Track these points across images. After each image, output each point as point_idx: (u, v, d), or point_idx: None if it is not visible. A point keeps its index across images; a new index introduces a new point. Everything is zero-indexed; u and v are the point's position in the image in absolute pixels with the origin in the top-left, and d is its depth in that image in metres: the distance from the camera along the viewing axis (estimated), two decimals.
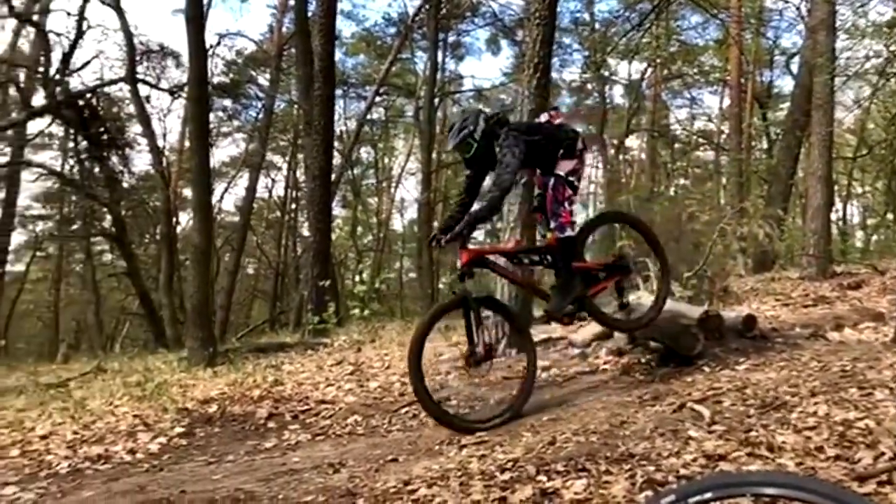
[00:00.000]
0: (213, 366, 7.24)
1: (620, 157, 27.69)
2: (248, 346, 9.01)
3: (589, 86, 26.40)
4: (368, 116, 23.95)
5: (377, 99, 23.77)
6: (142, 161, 25.85)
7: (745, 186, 16.03)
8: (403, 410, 4.87)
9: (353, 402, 5.17)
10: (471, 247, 4.51)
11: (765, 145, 21.03)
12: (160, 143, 18.78)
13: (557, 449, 3.36)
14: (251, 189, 22.63)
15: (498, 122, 4.60)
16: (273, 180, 28.99)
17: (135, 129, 19.01)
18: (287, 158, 27.20)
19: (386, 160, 30.72)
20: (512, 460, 3.27)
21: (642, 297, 5.52)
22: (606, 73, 23.78)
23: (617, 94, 28.41)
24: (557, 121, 4.83)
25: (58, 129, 19.55)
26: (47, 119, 17.27)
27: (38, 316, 26.72)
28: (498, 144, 4.47)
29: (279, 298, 25.64)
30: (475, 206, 4.59)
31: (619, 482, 2.84)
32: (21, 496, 3.95)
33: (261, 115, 23.17)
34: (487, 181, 4.68)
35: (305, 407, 5.17)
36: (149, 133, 15.45)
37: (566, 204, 4.59)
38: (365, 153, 29.30)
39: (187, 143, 24.59)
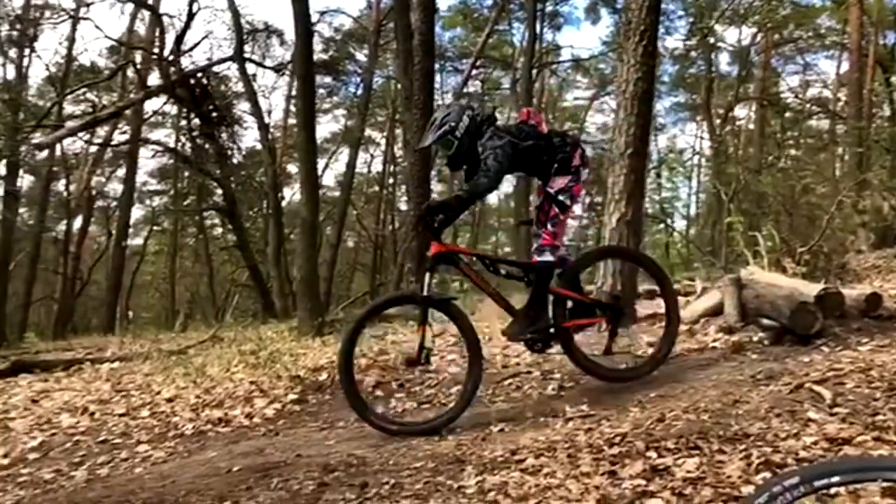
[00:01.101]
0: (321, 335, 7.52)
1: (727, 127, 26.48)
2: (354, 316, 9.26)
3: (693, 53, 25.32)
4: (465, 90, 23.92)
5: (473, 72, 23.69)
6: (248, 137, 26.97)
7: (866, 157, 15.02)
8: (507, 382, 4.91)
9: (457, 372, 5.25)
10: (447, 242, 4.26)
11: (887, 112, 19.59)
12: (266, 119, 19.44)
13: (667, 426, 3.31)
14: (351, 164, 23.12)
15: (484, 121, 4.23)
16: (372, 155, 29.61)
17: (241, 106, 19.79)
18: (385, 134, 27.65)
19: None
20: (620, 435, 3.25)
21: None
22: (713, 40, 22.74)
23: (723, 62, 27.14)
24: (544, 126, 4.34)
25: (171, 108, 20.62)
26: (162, 98, 18.27)
27: (156, 287, 28.44)
28: (481, 144, 4.12)
29: (378, 271, 26.23)
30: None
31: (733, 462, 2.77)
32: (153, 454, 4.27)
33: (359, 92, 23.59)
34: None
35: (410, 375, 5.29)
36: (256, 110, 16.03)
37: (549, 224, 4.21)
38: None
39: (291, 120, 25.48)
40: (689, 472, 2.75)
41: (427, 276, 4.14)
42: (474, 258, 4.50)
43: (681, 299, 7.65)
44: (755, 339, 5.08)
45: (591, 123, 31.39)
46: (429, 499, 2.82)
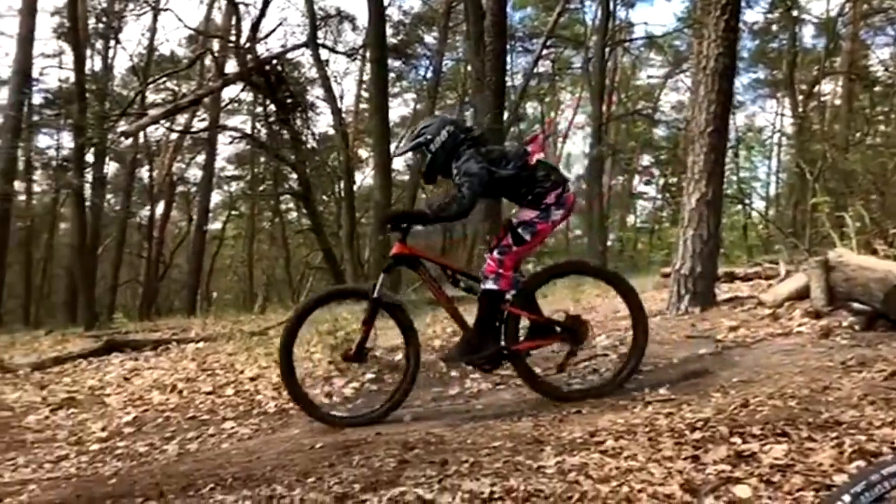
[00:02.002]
0: None
1: (812, 103, 25.31)
2: (425, 298, 9.34)
3: (775, 27, 24.27)
4: (535, 70, 23.62)
5: (544, 52, 23.35)
6: (320, 123, 27.43)
7: None
8: (582, 365, 4.87)
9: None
10: (410, 244, 4.11)
11: None
12: (339, 104, 19.68)
13: (752, 412, 3.22)
14: None
15: (464, 140, 4.03)
16: None
17: (314, 92, 20.14)
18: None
19: (552, 114, 30.30)
20: (702, 420, 3.18)
21: None
22: (796, 13, 21.73)
23: (808, 35, 25.92)
24: (536, 157, 4.03)
25: (246, 95, 21.16)
26: (238, 86, 18.74)
27: (234, 270, 29.40)
28: (456, 166, 3.94)
29: (444, 253, 26.35)
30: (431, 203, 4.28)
31: (824, 450, 2.68)
32: (238, 430, 4.44)
33: (429, 75, 23.63)
34: None
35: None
36: (330, 96, 16.27)
37: (497, 252, 3.99)
38: (531, 108, 29.06)
39: (362, 105, 25.78)
40: (776, 459, 2.68)
41: (382, 275, 4.07)
42: (437, 265, 4.28)
43: (763, 282, 7.45)
44: (844, 324, 4.88)
45: (666, 102, 30.60)
46: (508, 477, 2.83)
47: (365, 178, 28.02)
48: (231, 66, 17.62)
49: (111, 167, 24.15)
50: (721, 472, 2.63)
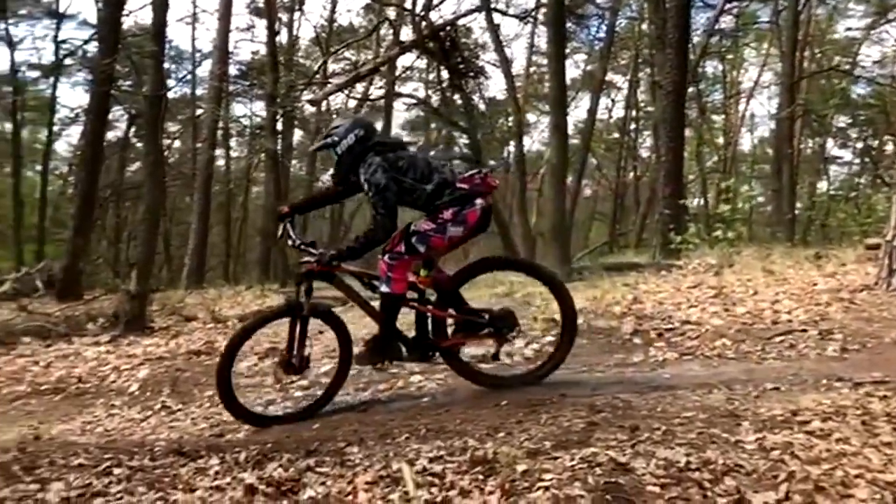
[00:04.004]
0: (569, 281, 7.58)
1: None
2: (600, 264, 9.24)
3: None
4: (716, 26, 22.08)
5: (727, 6, 21.73)
6: (490, 88, 27.52)
7: None
8: (778, 339, 4.60)
9: (720, 325, 5.02)
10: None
11: None
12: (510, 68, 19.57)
13: None
14: (592, 110, 22.67)
15: (373, 146, 3.91)
16: (613, 101, 28.69)
17: (484, 57, 20.20)
18: (628, 77, 26.61)
19: (734, 73, 28.26)
20: None
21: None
22: None
23: None
24: (464, 184, 3.90)
25: (420, 62, 21.68)
26: (412, 54, 19.21)
27: None
28: (364, 177, 3.85)
29: (618, 220, 25.70)
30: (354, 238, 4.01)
31: None
32: (426, 385, 4.62)
33: (600, 35, 22.89)
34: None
35: (669, 326, 5.16)
36: (502, 59, 16.26)
37: (388, 256, 3.89)
38: (711, 67, 27.28)
39: (532, 69, 25.54)
40: None
41: (301, 289, 4.00)
42: (351, 275, 4.16)
43: None
44: None
45: (866, 56, 27.43)
46: (705, 449, 2.74)
47: (533, 142, 27.92)
48: (406, 34, 18.10)
49: (296, 134, 25.76)
50: None
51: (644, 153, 27.85)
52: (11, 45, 20.92)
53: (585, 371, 4.46)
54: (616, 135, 28.67)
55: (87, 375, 5.79)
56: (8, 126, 22.54)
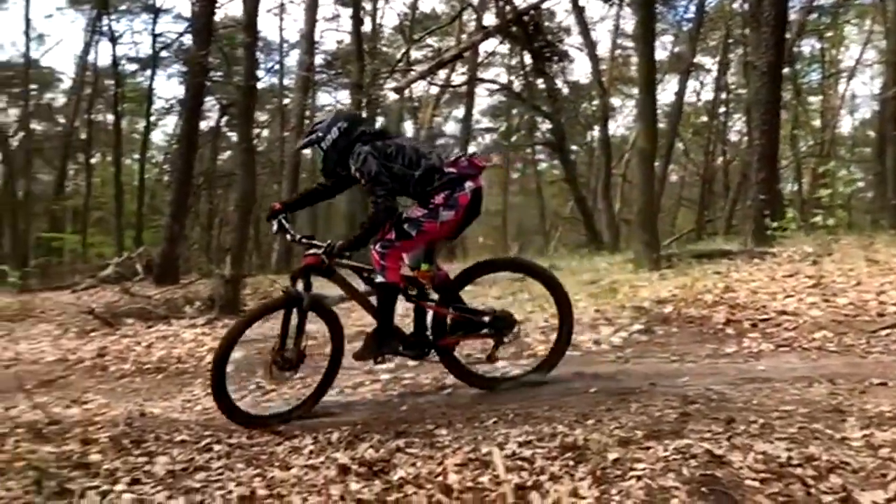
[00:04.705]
0: (657, 269, 7.41)
1: None
2: (689, 251, 8.98)
3: None
4: (814, 2, 20.96)
5: None
6: (573, 72, 27.09)
7: None
8: (884, 332, 4.37)
9: (819, 316, 4.81)
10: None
11: None
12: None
13: None
14: (679, 93, 21.95)
15: (359, 136, 3.86)
16: (701, 83, 27.67)
17: (568, 41, 19.87)
18: (717, 59, 25.62)
19: (833, 52, 26.76)
20: None
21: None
22: None
23: None
24: (451, 168, 3.86)
25: (502, 48, 21.52)
26: (495, 39, 19.10)
27: (486, 221, 30.60)
28: (355, 167, 3.80)
29: (706, 206, 24.88)
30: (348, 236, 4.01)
31: None
32: (511, 371, 4.62)
33: (689, 15, 22.09)
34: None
35: (764, 316, 4.99)
36: (588, 43, 15.97)
37: (379, 245, 3.82)
38: (807, 46, 25.92)
39: (617, 51, 24.97)
40: None
41: (300, 283, 3.90)
42: (350, 270, 4.08)
43: None
44: None
45: None
46: (807, 444, 2.64)
47: (618, 126, 27.35)
48: (489, 19, 17.99)
49: (378, 122, 26.09)
50: None
51: (733, 137, 26.82)
52: (113, 39, 22.03)
53: (676, 361, 4.36)
54: (704, 118, 27.67)
55: (186, 356, 6.07)
56: (110, 117, 23.86)
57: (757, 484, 2.36)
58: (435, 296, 4.02)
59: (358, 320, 5.38)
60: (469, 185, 3.89)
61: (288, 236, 4.01)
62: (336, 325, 4.00)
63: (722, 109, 26.38)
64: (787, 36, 19.55)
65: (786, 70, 21.38)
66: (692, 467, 2.47)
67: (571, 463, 2.63)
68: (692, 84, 26.37)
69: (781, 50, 9.84)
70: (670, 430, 2.90)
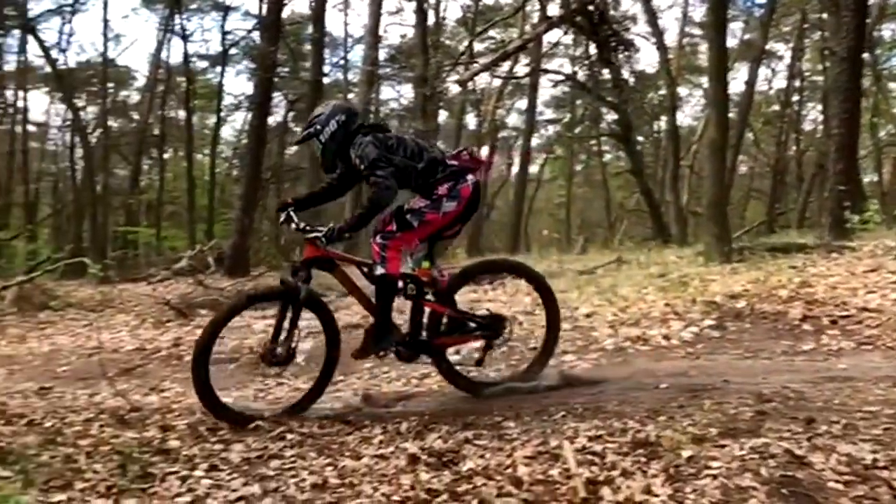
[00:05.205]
0: (728, 262, 7.21)
1: None
2: (761, 244, 8.70)
3: None
4: None
5: None
6: (639, 61, 26.53)
7: None
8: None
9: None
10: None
11: None
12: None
13: None
14: (750, 82, 21.24)
15: (359, 128, 3.83)
16: (773, 71, 26.70)
17: (633, 30, 19.45)
18: (791, 45, 24.69)
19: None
20: None
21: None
22: None
23: None
24: (454, 160, 3.89)
25: (565, 38, 21.21)
26: (558, 30, 18.84)
27: (549, 213, 30.31)
28: (355, 155, 3.73)
29: (777, 199, 24.05)
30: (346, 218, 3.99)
31: None
32: (578, 364, 4.61)
33: (759, 1, 21.35)
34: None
35: (844, 313, 4.80)
36: (655, 31, 15.61)
37: (380, 237, 3.77)
38: (888, 30, 24.69)
39: (684, 39, 24.35)
40: None
41: (299, 275, 3.78)
42: (350, 263, 4.01)
43: None
44: None
45: None
46: (894, 446, 2.54)
47: (685, 116, 26.67)
48: (553, 9, 17.76)
49: (441, 115, 26.16)
50: None
51: (807, 126, 25.83)
52: (185, 37, 22.73)
53: (749, 358, 4.24)
54: (776, 107, 26.68)
55: (257, 346, 6.21)
56: (182, 113, 24.63)
57: (840, 487, 2.29)
58: (431, 298, 3.96)
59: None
60: (471, 177, 3.91)
61: (293, 226, 3.93)
62: (331, 323, 3.91)
63: (795, 98, 25.42)
64: (868, 20, 18.72)
65: (865, 55, 20.47)
66: (771, 467, 2.41)
67: (643, 459, 2.60)
68: (763, 72, 25.48)
69: (862, 34, 9.42)
70: (746, 428, 2.83)
